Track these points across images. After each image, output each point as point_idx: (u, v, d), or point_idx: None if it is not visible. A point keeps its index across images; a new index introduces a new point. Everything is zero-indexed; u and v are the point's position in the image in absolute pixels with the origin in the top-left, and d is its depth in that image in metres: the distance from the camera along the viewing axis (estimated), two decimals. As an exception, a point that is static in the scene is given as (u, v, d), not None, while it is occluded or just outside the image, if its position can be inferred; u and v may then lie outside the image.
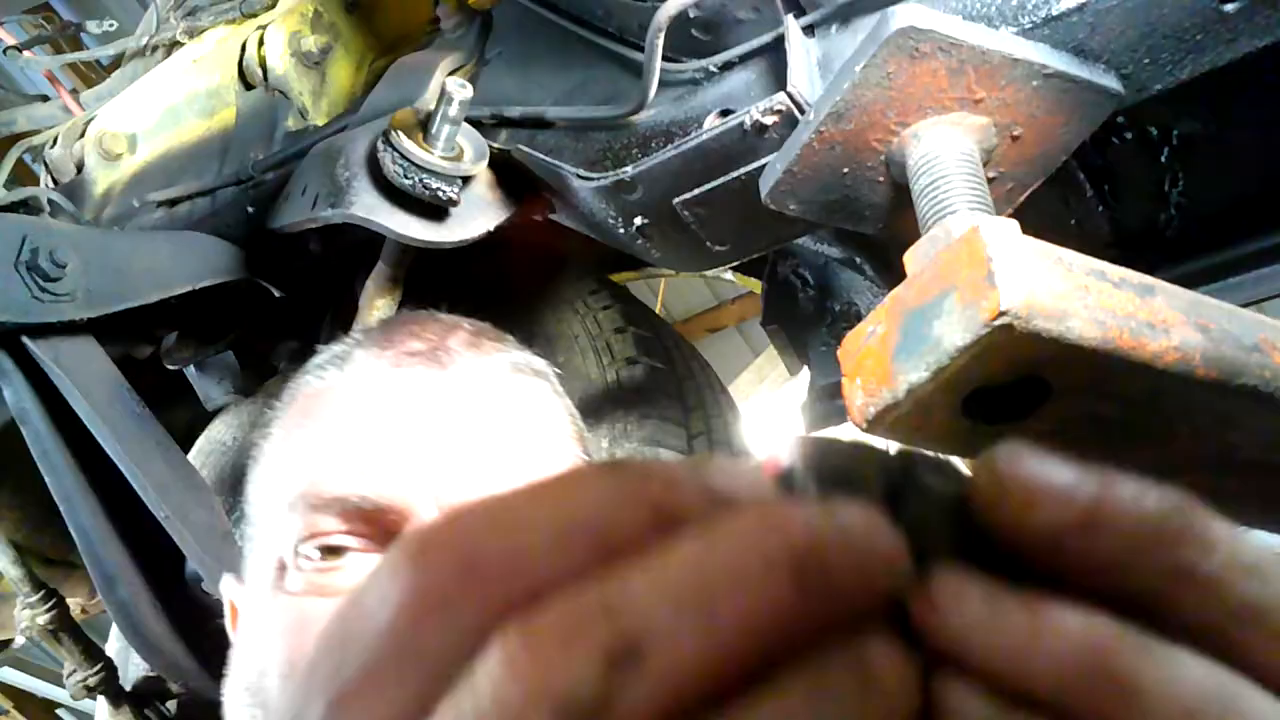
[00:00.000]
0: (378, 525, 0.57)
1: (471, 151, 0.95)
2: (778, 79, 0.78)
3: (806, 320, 1.17)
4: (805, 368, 1.19)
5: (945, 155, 0.64)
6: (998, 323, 0.47)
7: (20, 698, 3.87)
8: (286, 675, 0.54)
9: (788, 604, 0.20)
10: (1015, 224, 0.52)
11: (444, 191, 0.92)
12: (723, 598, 0.20)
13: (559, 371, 0.71)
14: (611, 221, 0.92)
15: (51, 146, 1.39)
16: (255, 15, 1.28)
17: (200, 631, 1.14)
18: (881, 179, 0.69)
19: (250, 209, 1.16)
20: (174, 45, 1.37)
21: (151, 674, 1.25)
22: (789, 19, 0.76)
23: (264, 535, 0.62)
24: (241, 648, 0.61)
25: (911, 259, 0.59)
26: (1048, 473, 0.22)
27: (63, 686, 1.33)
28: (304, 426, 0.64)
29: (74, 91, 1.49)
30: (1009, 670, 0.21)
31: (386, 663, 0.20)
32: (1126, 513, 0.22)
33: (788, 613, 0.20)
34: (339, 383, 0.64)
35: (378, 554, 0.57)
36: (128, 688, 1.28)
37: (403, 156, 0.91)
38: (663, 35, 0.78)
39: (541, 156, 0.93)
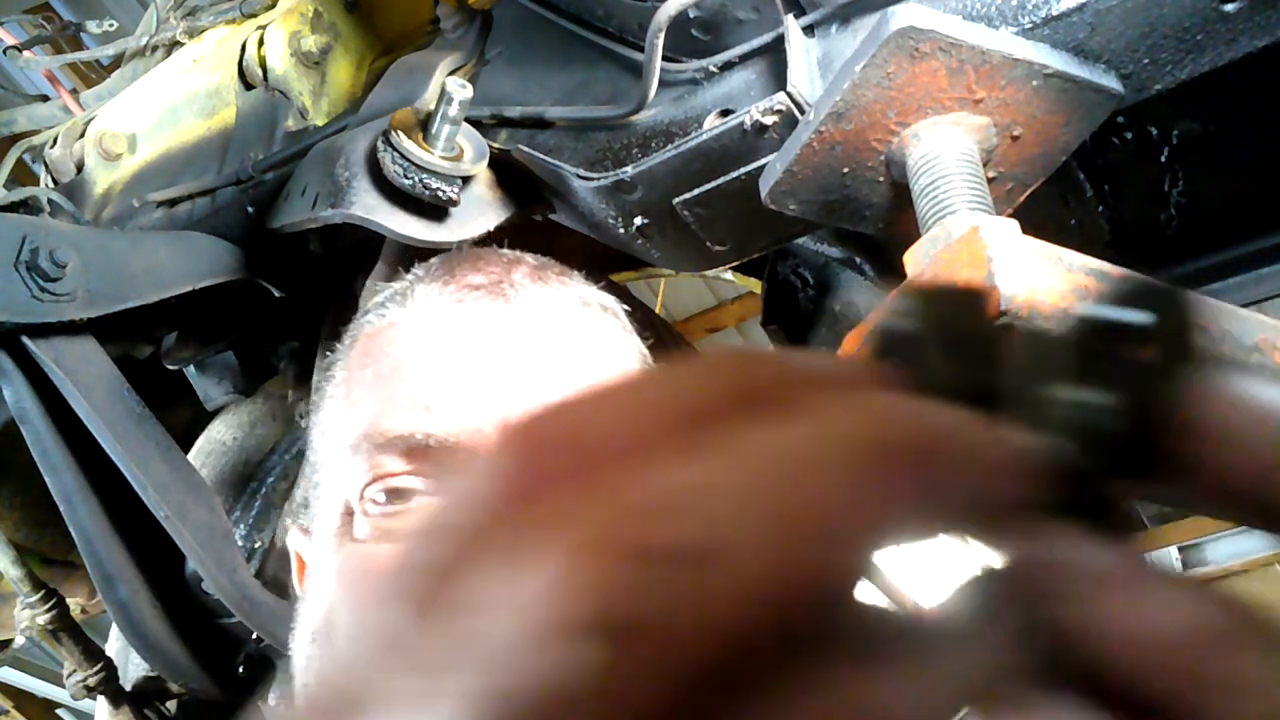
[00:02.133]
0: (444, 464, 0.54)
1: (471, 151, 0.95)
2: (778, 79, 0.78)
3: (806, 320, 1.17)
4: (805, 368, 1.18)
5: (945, 155, 0.64)
6: (998, 322, 0.47)
7: (20, 698, 3.87)
8: (354, 617, 0.52)
9: (911, 505, 0.18)
10: (1015, 224, 0.52)
11: (444, 191, 0.92)
12: (827, 492, 0.17)
13: (629, 309, 0.69)
14: (611, 221, 0.92)
15: (51, 146, 1.39)
16: (255, 15, 1.28)
17: (200, 631, 1.14)
18: (881, 179, 0.69)
19: (250, 209, 1.16)
20: (174, 45, 1.37)
21: (151, 674, 1.25)
22: (789, 19, 0.76)
23: (329, 481, 0.60)
24: (309, 598, 0.59)
25: (911, 259, 0.59)
26: None
27: (63, 686, 1.33)
28: (365, 366, 0.62)
29: (74, 91, 1.49)
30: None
31: (492, 548, 0.18)
32: None
33: (912, 516, 0.18)
34: (401, 319, 0.63)
35: None
36: (128, 688, 1.28)
37: (403, 156, 0.91)
38: (663, 35, 0.78)
39: (541, 156, 0.93)
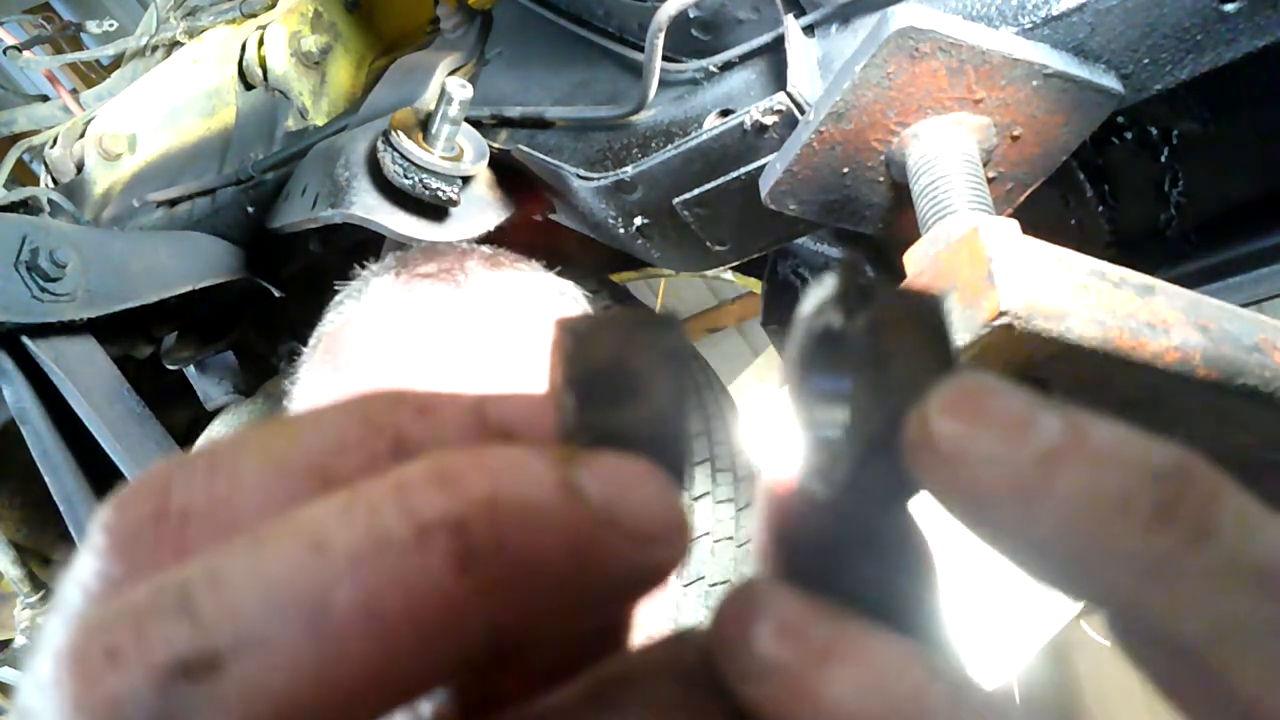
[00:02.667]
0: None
1: (471, 151, 0.95)
2: (778, 79, 0.78)
3: (806, 320, 1.17)
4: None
5: (945, 155, 0.64)
6: (997, 323, 0.47)
7: (20, 698, 3.87)
8: None
9: (444, 591, 0.15)
10: (1015, 224, 0.52)
11: (444, 191, 0.92)
12: (344, 579, 0.15)
13: (594, 296, 0.69)
14: (611, 221, 0.92)
15: (51, 146, 1.39)
16: (255, 15, 1.28)
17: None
18: (881, 179, 0.69)
19: (250, 209, 1.16)
20: (174, 45, 1.37)
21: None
22: (789, 19, 0.75)
23: None
24: None
25: (911, 259, 0.59)
26: (1005, 403, 0.18)
27: (63, 686, 1.33)
28: (325, 364, 0.63)
29: (74, 91, 1.49)
30: None
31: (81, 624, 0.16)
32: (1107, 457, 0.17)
33: (447, 612, 0.15)
34: (355, 313, 0.63)
35: None
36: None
37: (403, 156, 0.91)
38: (663, 35, 0.78)
39: (541, 156, 0.92)
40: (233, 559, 0.15)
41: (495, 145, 0.97)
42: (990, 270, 0.48)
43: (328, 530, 0.15)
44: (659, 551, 0.17)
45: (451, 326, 0.59)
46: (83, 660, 0.15)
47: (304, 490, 0.17)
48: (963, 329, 0.48)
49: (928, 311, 0.19)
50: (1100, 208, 0.90)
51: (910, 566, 0.20)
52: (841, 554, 0.19)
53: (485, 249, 0.67)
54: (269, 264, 1.20)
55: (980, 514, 0.18)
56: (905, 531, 0.20)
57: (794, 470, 0.20)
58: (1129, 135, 0.86)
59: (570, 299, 0.65)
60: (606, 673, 0.19)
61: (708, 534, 0.98)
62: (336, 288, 0.69)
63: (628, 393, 0.18)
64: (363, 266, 0.68)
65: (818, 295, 0.20)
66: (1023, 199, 0.73)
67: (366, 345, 0.60)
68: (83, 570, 0.17)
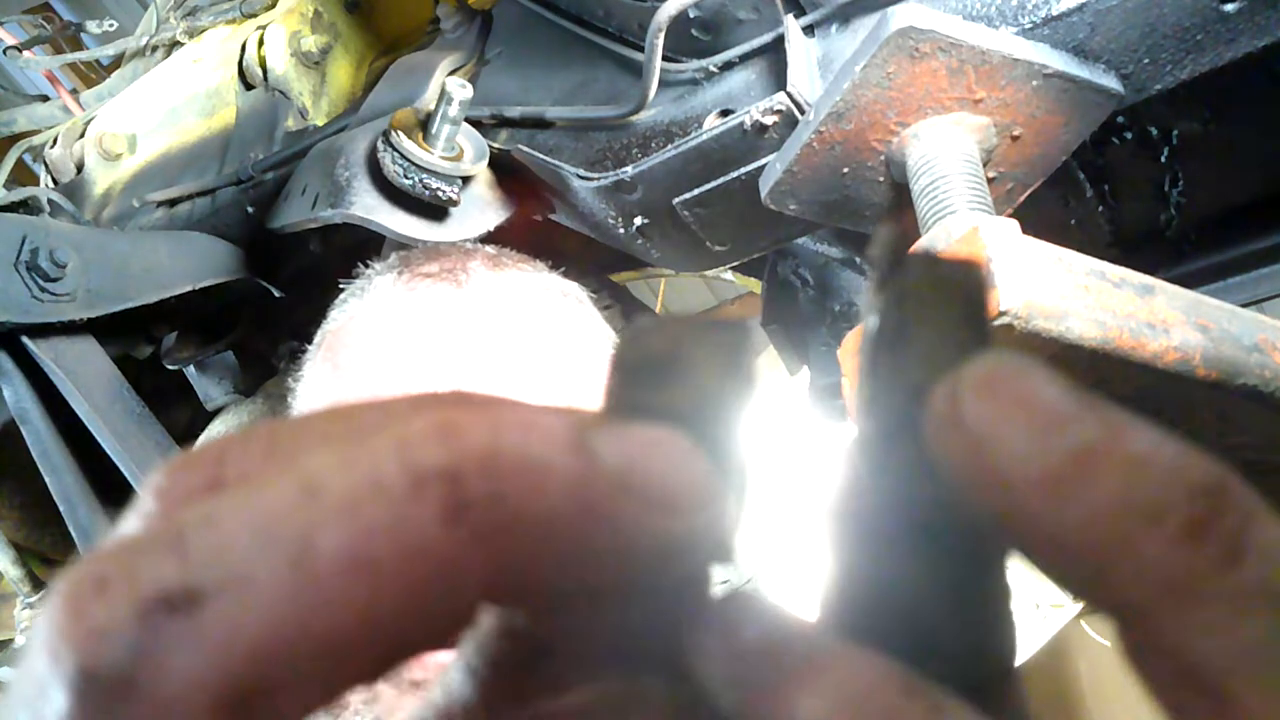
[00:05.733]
0: None
1: (471, 151, 0.95)
2: (778, 79, 0.77)
3: (806, 320, 1.17)
4: (805, 368, 1.19)
5: (945, 155, 0.64)
6: (997, 323, 0.47)
7: (20, 698, 3.87)
8: None
9: (434, 542, 0.15)
10: (1015, 224, 0.52)
11: (444, 191, 0.92)
12: (331, 523, 0.15)
13: (595, 296, 0.69)
14: (611, 221, 0.92)
15: (51, 146, 1.39)
16: (255, 15, 1.28)
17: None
18: (881, 179, 0.69)
19: (250, 209, 1.16)
20: (174, 45, 1.37)
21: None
22: (789, 19, 0.75)
23: None
24: None
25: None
26: (1042, 391, 0.17)
27: (63, 686, 1.33)
28: (327, 361, 0.63)
29: (74, 91, 1.49)
30: None
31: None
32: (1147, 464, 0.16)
33: (438, 563, 0.15)
34: (358, 312, 0.64)
35: None
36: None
37: (403, 156, 0.91)
38: (663, 35, 0.78)
39: (541, 156, 0.92)
40: (229, 501, 0.15)
41: (495, 145, 0.97)
42: (990, 270, 0.48)
43: (324, 476, 0.15)
44: (680, 522, 0.17)
45: (453, 327, 0.59)
46: (74, 591, 0.15)
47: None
48: (963, 329, 0.48)
49: (963, 281, 0.19)
50: (1100, 208, 0.90)
51: (950, 560, 0.19)
52: (880, 541, 0.19)
53: (489, 249, 0.67)
54: (269, 264, 1.20)
55: (1000, 503, 0.17)
56: (946, 520, 0.19)
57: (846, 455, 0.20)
58: (1129, 135, 0.86)
59: (573, 300, 0.65)
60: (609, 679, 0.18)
61: None
62: (341, 286, 0.69)
63: (675, 377, 0.18)
64: (365, 265, 0.68)
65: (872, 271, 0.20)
66: (1023, 199, 0.73)
67: (367, 345, 0.60)
68: (126, 528, 0.17)
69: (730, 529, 0.18)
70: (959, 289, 0.19)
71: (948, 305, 0.19)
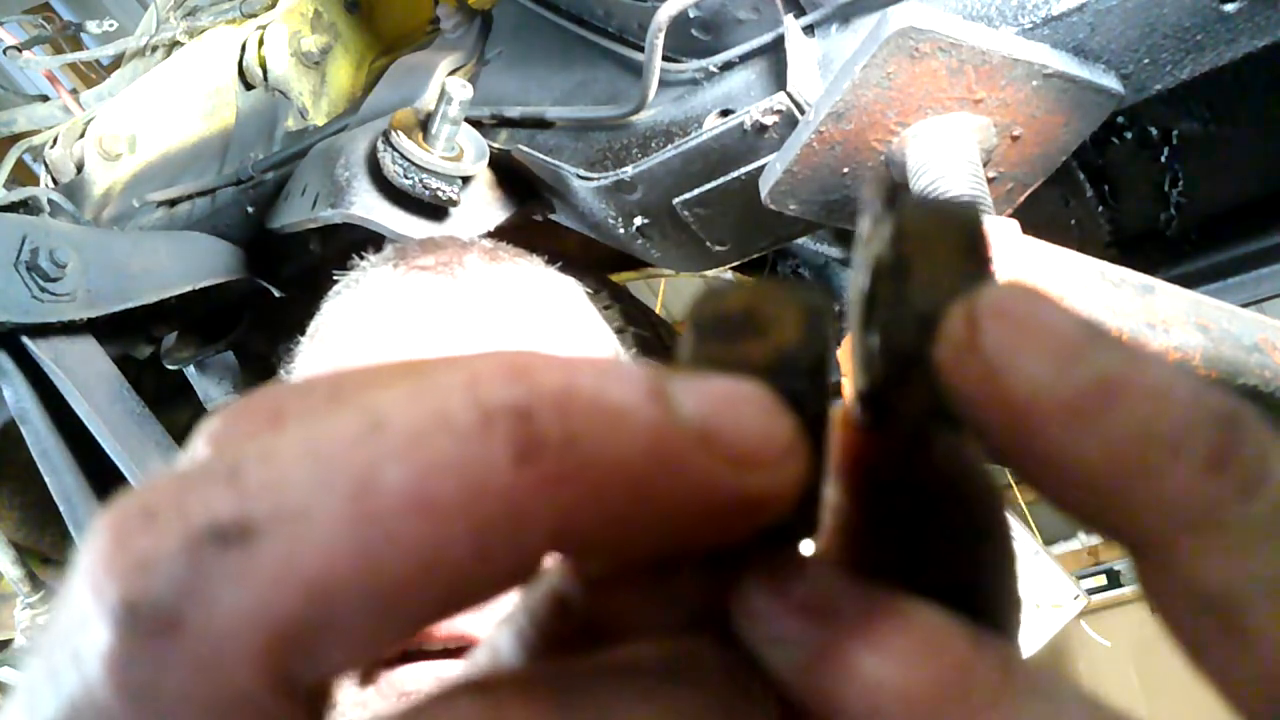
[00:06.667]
0: None
1: (471, 151, 0.95)
2: (778, 79, 0.77)
3: (806, 320, 1.17)
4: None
5: (945, 155, 0.64)
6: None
7: (20, 698, 3.87)
8: None
9: (502, 482, 0.14)
10: (1015, 224, 0.52)
11: (444, 191, 0.92)
12: (395, 458, 0.14)
13: (595, 296, 0.68)
14: (611, 221, 0.92)
15: (51, 146, 1.39)
16: (255, 15, 1.28)
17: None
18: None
19: (250, 209, 1.16)
20: (174, 45, 1.37)
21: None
22: (789, 19, 0.75)
23: None
24: None
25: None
26: (1060, 319, 0.16)
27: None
28: (319, 349, 0.63)
29: (74, 91, 1.49)
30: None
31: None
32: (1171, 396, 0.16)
33: (505, 504, 0.14)
34: (351, 301, 0.63)
35: None
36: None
37: (403, 156, 0.91)
38: (663, 35, 0.78)
39: (541, 156, 0.92)
40: (289, 433, 0.15)
41: (495, 145, 0.97)
42: (990, 271, 0.48)
43: (389, 411, 0.15)
44: (760, 478, 0.16)
45: (447, 316, 0.58)
46: (120, 520, 0.14)
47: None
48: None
49: (960, 220, 0.18)
50: (1100, 208, 0.90)
51: (963, 512, 0.19)
52: (895, 491, 0.18)
53: (486, 243, 0.66)
54: (269, 264, 1.20)
55: (1017, 434, 0.17)
56: (961, 468, 0.19)
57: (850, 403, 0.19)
58: (1129, 135, 0.86)
59: (571, 294, 0.65)
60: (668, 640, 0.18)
61: None
62: (335, 278, 0.69)
63: (753, 331, 0.17)
64: (361, 257, 0.68)
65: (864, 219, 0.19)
66: (1023, 199, 0.73)
67: (360, 332, 0.60)
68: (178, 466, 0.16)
69: (813, 490, 0.17)
70: (957, 223, 0.18)
71: (948, 239, 0.18)
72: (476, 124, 0.97)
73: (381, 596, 0.14)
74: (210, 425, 0.17)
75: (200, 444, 0.17)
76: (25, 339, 1.00)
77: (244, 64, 1.23)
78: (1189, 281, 0.88)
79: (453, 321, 0.58)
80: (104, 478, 1.06)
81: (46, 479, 1.07)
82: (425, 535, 0.14)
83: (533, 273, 0.64)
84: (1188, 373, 0.17)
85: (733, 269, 1.23)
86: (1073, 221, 0.92)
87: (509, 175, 1.00)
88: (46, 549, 1.44)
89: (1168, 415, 0.16)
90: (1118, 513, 0.17)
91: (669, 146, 0.83)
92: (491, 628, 0.20)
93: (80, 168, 1.35)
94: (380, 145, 0.93)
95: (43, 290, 0.99)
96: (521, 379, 0.15)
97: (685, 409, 0.16)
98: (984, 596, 0.20)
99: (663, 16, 0.77)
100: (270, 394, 0.17)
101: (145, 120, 1.32)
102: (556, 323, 0.62)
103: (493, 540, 0.14)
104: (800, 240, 1.04)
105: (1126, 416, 0.16)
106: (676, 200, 0.84)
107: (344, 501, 0.14)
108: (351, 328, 0.61)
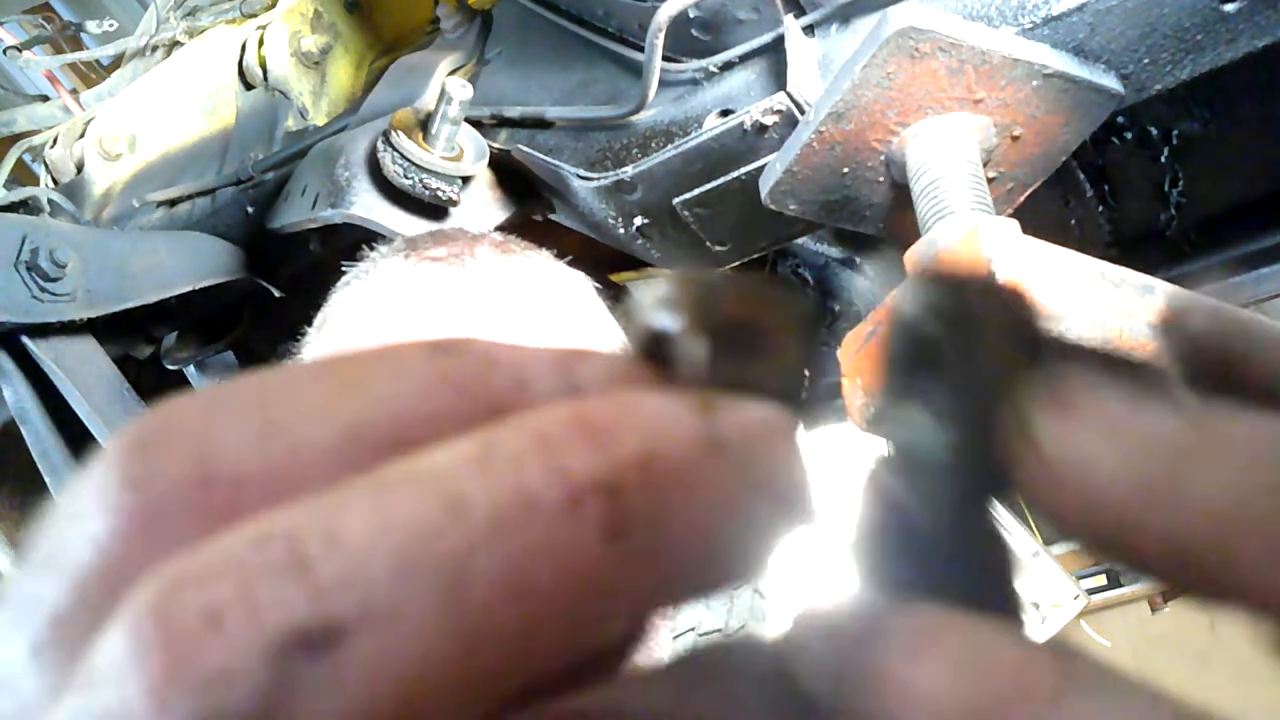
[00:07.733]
0: None
1: (471, 151, 0.95)
2: (778, 79, 0.77)
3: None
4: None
5: (945, 155, 0.64)
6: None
7: (20, 698, 3.87)
8: None
9: (595, 563, 0.14)
10: (1015, 224, 0.52)
11: (444, 191, 0.92)
12: (485, 545, 0.13)
13: (600, 287, 0.69)
14: (611, 221, 0.92)
15: (51, 146, 1.39)
16: (255, 15, 1.28)
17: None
18: (881, 179, 0.69)
19: (250, 209, 1.16)
20: (174, 45, 1.37)
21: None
22: (789, 19, 0.75)
23: None
24: None
25: (911, 259, 0.59)
26: (1111, 399, 0.16)
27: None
28: (327, 339, 0.63)
29: (74, 91, 1.49)
30: None
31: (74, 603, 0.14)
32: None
33: (595, 586, 0.13)
34: (361, 291, 0.63)
35: None
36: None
37: (403, 156, 0.91)
38: (663, 35, 0.78)
39: (541, 156, 0.93)
40: (351, 511, 0.13)
41: (495, 145, 0.97)
42: (990, 271, 0.48)
43: (464, 486, 0.13)
44: (790, 515, 0.15)
45: (457, 305, 0.58)
46: (174, 623, 0.12)
47: (379, 464, 0.14)
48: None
49: (1008, 300, 0.18)
50: (1100, 208, 0.90)
51: (995, 564, 0.19)
52: (928, 554, 0.18)
53: (496, 235, 0.66)
54: (269, 264, 1.20)
55: (1095, 517, 0.16)
56: (989, 528, 0.18)
57: (879, 471, 0.19)
58: (1129, 135, 0.86)
59: (580, 287, 0.65)
60: (683, 668, 0.17)
61: None
62: (344, 269, 0.69)
63: (761, 348, 0.17)
64: (370, 249, 0.68)
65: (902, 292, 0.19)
66: (1023, 199, 0.73)
67: (369, 322, 0.60)
68: (93, 525, 0.14)
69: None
70: (1002, 306, 0.18)
71: (994, 324, 0.18)
72: (476, 124, 0.97)
73: (471, 686, 0.13)
74: (132, 471, 0.14)
75: (124, 496, 0.14)
76: (25, 339, 1.00)
77: (244, 64, 1.23)
78: (1189, 281, 0.88)
79: (464, 312, 0.58)
80: (104, 478, 1.06)
81: (46, 479, 1.07)
82: (520, 622, 0.13)
83: (543, 266, 0.64)
84: (1260, 415, 0.16)
85: (732, 269, 1.23)
86: (1073, 221, 0.92)
87: (509, 175, 1.00)
88: (46, 549, 1.43)
89: (1257, 465, 0.15)
90: (1229, 574, 0.15)
91: (669, 146, 0.83)
92: None
93: (80, 168, 1.35)
94: (380, 145, 0.93)
95: (43, 290, 0.99)
96: (600, 445, 0.14)
97: (734, 452, 0.15)
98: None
99: (663, 16, 0.77)
100: (201, 436, 0.15)
101: (145, 120, 1.32)
102: (566, 315, 0.62)
103: (583, 617, 0.14)
104: (800, 240, 1.04)
105: (1213, 477, 0.15)
106: (676, 200, 0.84)
107: (436, 596, 0.13)
108: (361, 318, 0.61)
